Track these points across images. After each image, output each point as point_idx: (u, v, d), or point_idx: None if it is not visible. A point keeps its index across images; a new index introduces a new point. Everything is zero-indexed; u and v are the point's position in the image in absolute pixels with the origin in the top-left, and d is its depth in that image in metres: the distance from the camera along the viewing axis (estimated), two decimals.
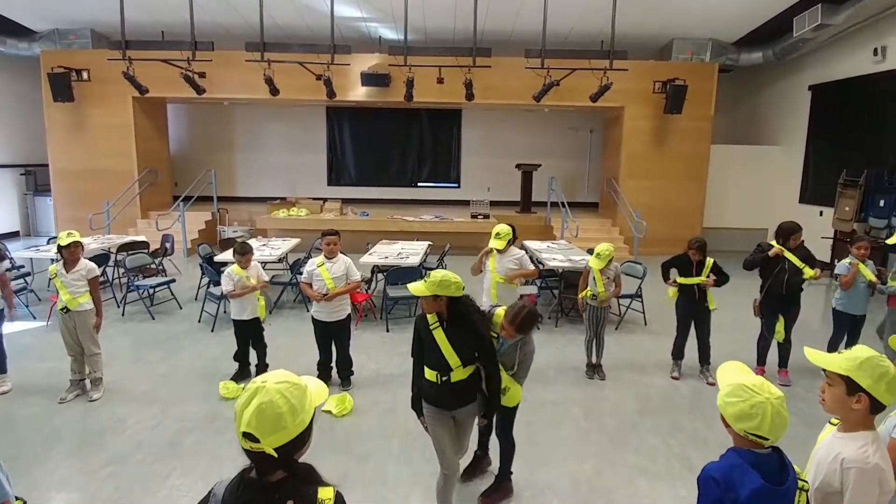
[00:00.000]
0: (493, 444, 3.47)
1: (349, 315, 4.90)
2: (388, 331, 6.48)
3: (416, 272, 6.91)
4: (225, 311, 6.76)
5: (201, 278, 7.61)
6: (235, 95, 11.35)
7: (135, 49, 9.35)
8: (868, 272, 4.88)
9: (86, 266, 4.58)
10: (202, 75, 10.21)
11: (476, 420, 3.13)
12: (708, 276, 4.96)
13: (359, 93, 11.11)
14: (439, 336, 2.87)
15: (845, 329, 5.10)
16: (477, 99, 10.42)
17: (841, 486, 1.73)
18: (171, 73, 9.68)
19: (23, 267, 7.60)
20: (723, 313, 5.44)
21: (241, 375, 5.01)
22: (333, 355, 4.94)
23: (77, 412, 4.42)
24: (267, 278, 5.28)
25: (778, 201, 11.69)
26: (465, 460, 3.44)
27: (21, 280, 7.26)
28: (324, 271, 4.71)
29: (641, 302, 6.87)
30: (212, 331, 6.39)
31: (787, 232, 4.87)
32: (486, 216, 11.56)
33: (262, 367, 5.06)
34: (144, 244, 8.43)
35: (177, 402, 4.58)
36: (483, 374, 3.02)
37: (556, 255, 7.56)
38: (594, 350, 5.30)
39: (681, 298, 5.13)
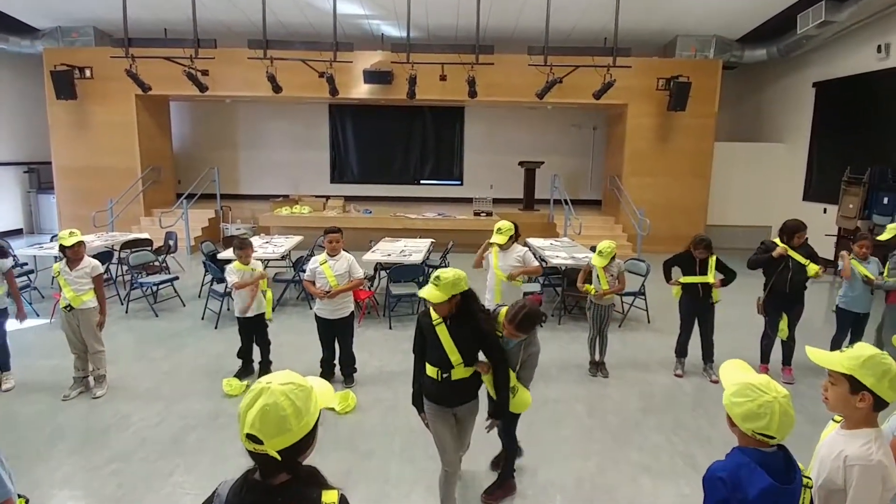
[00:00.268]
0: (495, 441, 3.46)
1: (352, 312, 4.91)
2: (390, 328, 6.48)
3: (419, 269, 6.92)
4: (228, 309, 6.77)
5: (204, 276, 7.62)
6: (238, 93, 11.35)
7: (137, 47, 9.35)
8: (863, 268, 4.87)
9: (90, 264, 4.59)
10: (205, 73, 10.20)
11: (486, 423, 3.08)
12: (714, 277, 4.93)
13: (361, 90, 11.10)
14: (442, 333, 2.86)
15: (848, 327, 5.08)
16: (480, 96, 10.40)
17: (844, 484, 1.73)
18: (173, 70, 9.68)
19: (26, 264, 7.62)
20: (726, 311, 5.43)
21: (245, 372, 5.01)
22: (336, 352, 4.94)
23: (80, 409, 4.43)
24: (266, 275, 5.25)
25: (782, 199, 11.65)
26: (468, 461, 3.44)
27: (24, 278, 7.29)
28: (326, 269, 4.71)
29: (645, 299, 6.86)
30: (215, 328, 6.40)
31: (792, 230, 4.84)
32: (489, 214, 11.55)
33: (266, 364, 5.07)
34: (148, 242, 8.45)
35: (180, 399, 4.59)
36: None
37: (559, 252, 7.55)
38: (597, 348, 5.29)
39: (684, 296, 5.11)
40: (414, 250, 7.58)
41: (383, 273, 7.32)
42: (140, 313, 6.93)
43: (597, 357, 5.30)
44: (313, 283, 4.77)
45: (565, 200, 11.06)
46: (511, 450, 3.39)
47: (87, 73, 10.97)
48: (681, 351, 5.29)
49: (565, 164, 13.54)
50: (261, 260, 6.04)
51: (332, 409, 4.33)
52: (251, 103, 13.33)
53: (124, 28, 8.69)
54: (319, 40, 10.33)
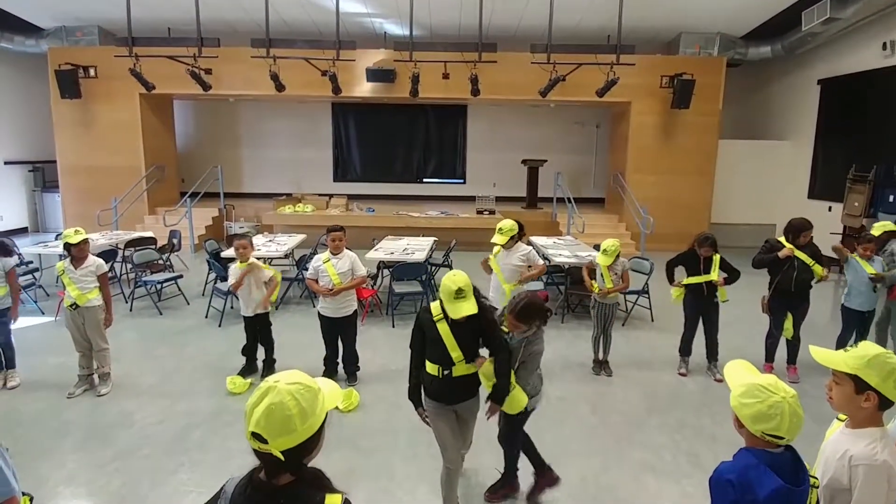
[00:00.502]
0: (494, 448, 3.45)
1: (355, 311, 4.91)
2: (393, 326, 6.48)
3: (422, 268, 6.92)
4: (232, 307, 6.79)
5: (208, 274, 7.64)
6: (241, 92, 11.36)
7: (141, 46, 9.37)
8: (868, 266, 4.85)
9: (94, 262, 4.61)
10: (208, 72, 10.22)
11: (486, 411, 3.03)
12: (718, 275, 4.90)
13: (364, 89, 11.09)
14: (443, 329, 2.85)
15: (853, 326, 5.07)
16: (483, 94, 10.39)
17: (849, 483, 1.71)
18: (177, 69, 9.70)
19: (31, 263, 7.66)
20: (730, 309, 5.40)
21: (248, 370, 5.02)
22: (339, 351, 4.95)
23: (85, 407, 4.45)
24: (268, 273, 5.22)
25: (786, 197, 11.60)
26: (471, 459, 3.44)
27: (29, 276, 7.32)
28: (329, 267, 4.71)
29: (648, 298, 6.84)
30: (219, 326, 6.42)
31: (798, 229, 4.80)
32: (492, 212, 11.54)
33: (270, 363, 5.08)
34: (152, 240, 8.48)
35: (184, 397, 4.61)
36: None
37: (562, 251, 7.54)
38: (601, 346, 5.27)
39: (688, 294, 5.07)
40: (417, 249, 7.58)
41: (386, 271, 7.33)
42: (144, 311, 6.95)
43: (600, 356, 5.29)
44: (316, 281, 4.78)
45: (568, 199, 11.04)
46: (510, 457, 3.30)
47: (92, 72, 11.00)
48: (685, 349, 5.27)
49: (568, 162, 13.51)
50: (264, 258, 6.05)
51: (336, 408, 4.33)
52: (254, 102, 13.35)
53: (128, 27, 8.71)
54: (322, 39, 10.35)
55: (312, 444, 1.35)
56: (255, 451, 1.32)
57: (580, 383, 5.04)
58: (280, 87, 10.12)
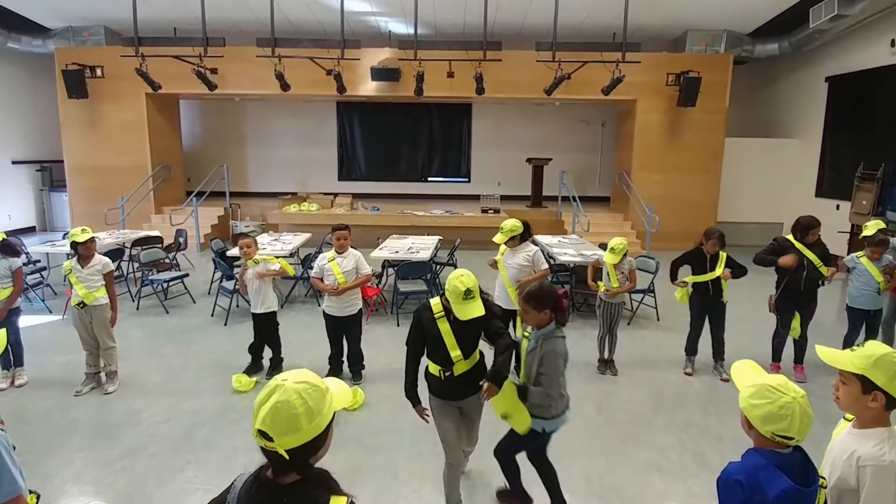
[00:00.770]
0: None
1: (360, 310, 4.91)
2: (398, 325, 6.49)
3: (427, 267, 6.92)
4: (238, 306, 6.83)
5: (214, 273, 7.67)
6: (246, 91, 11.39)
7: (147, 46, 9.42)
8: (875, 269, 4.83)
9: (101, 261, 4.63)
10: (214, 71, 10.25)
11: (482, 397, 2.85)
12: (723, 271, 4.87)
13: (369, 87, 11.10)
14: (444, 327, 2.84)
15: (860, 325, 5.04)
16: (487, 93, 10.37)
17: (857, 484, 1.70)
18: (183, 69, 9.74)
19: (39, 261, 7.71)
20: (736, 308, 5.37)
21: (254, 369, 5.04)
22: (344, 349, 4.96)
23: (92, 405, 4.48)
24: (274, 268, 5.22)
25: (793, 195, 11.52)
26: (477, 459, 3.44)
27: (37, 275, 7.37)
28: (334, 266, 4.72)
29: (654, 297, 6.82)
30: (225, 324, 6.45)
31: (805, 227, 4.78)
32: (497, 211, 11.53)
33: (277, 362, 5.09)
34: (158, 239, 8.52)
35: (190, 395, 4.63)
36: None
37: (567, 249, 7.52)
38: (607, 345, 5.26)
39: (694, 294, 5.05)
40: (421, 247, 7.58)
41: (391, 270, 7.33)
42: (151, 310, 6.99)
43: (606, 355, 5.28)
44: (321, 279, 4.79)
45: (573, 197, 11.01)
46: (505, 473, 3.07)
47: (98, 72, 11.06)
48: (691, 349, 5.25)
49: (574, 160, 13.48)
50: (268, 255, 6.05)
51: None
52: (259, 101, 13.39)
53: (134, 27, 8.76)
54: (327, 38, 10.36)
55: (319, 443, 1.34)
56: (261, 448, 1.32)
57: (585, 382, 5.02)
58: (285, 87, 10.14)
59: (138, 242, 8.13)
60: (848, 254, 8.97)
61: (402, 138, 14.09)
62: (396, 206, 12.29)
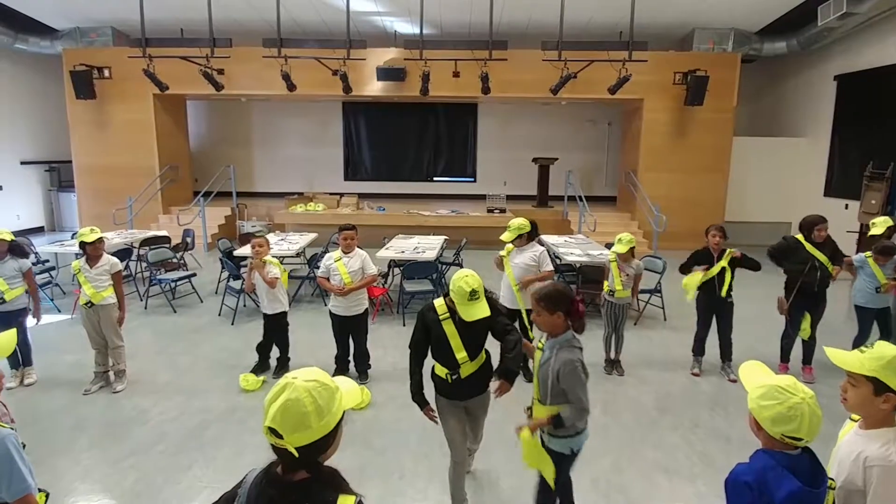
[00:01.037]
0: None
1: (366, 310, 4.92)
2: (404, 325, 6.49)
3: (433, 266, 6.92)
4: (245, 305, 6.85)
5: (221, 272, 7.71)
6: (253, 91, 11.44)
7: (155, 46, 9.46)
8: (881, 272, 4.81)
9: (109, 261, 4.66)
10: (220, 72, 10.30)
11: (494, 394, 2.85)
12: (731, 256, 4.79)
13: (374, 87, 11.11)
14: (449, 329, 2.82)
15: (870, 324, 4.99)
16: (493, 92, 10.35)
17: (864, 485, 1.69)
18: (190, 70, 9.78)
19: (47, 261, 7.77)
20: (744, 308, 5.34)
21: (261, 368, 5.05)
22: (351, 349, 4.97)
23: (101, 404, 4.51)
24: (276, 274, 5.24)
25: (802, 194, 11.44)
26: (483, 459, 3.43)
27: (46, 274, 7.42)
28: (341, 266, 4.73)
29: (661, 297, 6.79)
30: (232, 324, 6.47)
31: (811, 224, 4.76)
32: (503, 210, 11.52)
33: (284, 361, 5.11)
34: (166, 239, 8.56)
35: (198, 394, 4.65)
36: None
37: (573, 249, 7.50)
38: (613, 345, 5.24)
39: (701, 293, 5.01)
40: (427, 247, 7.59)
41: (397, 270, 7.34)
42: (159, 309, 7.03)
43: (612, 355, 5.26)
44: (328, 279, 4.80)
45: (580, 197, 10.98)
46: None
47: (106, 72, 11.13)
48: (698, 349, 5.22)
49: (580, 160, 13.45)
50: (276, 257, 6.07)
51: None
52: (266, 101, 13.44)
53: (141, 28, 8.80)
54: (333, 38, 10.38)
55: (328, 442, 1.35)
56: (271, 446, 1.32)
57: (591, 382, 4.90)
58: (291, 87, 10.17)
59: (146, 242, 8.18)
60: (857, 253, 8.94)
61: (407, 138, 14.10)
62: (402, 205, 12.30)
